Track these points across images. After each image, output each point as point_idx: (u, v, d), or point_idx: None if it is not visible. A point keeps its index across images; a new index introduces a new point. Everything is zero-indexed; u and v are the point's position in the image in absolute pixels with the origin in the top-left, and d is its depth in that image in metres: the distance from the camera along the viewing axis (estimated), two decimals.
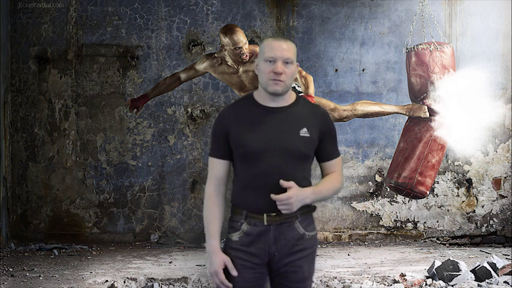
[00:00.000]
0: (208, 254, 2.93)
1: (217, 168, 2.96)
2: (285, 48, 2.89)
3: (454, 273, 5.61)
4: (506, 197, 8.39)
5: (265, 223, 2.89)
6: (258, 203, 2.89)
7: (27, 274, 6.14)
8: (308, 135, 2.92)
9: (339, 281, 5.84)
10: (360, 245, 8.13)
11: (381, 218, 8.38)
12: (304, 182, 2.90)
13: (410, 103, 6.26)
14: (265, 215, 2.89)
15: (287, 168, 2.88)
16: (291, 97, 2.98)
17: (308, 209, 2.95)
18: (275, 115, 2.93)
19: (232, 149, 2.93)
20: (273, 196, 2.84)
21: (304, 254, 2.93)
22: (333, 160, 3.00)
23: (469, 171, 8.40)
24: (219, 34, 5.94)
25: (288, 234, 2.90)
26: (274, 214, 2.89)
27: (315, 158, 3.02)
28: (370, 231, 8.37)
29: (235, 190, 2.96)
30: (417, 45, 6.09)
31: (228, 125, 2.93)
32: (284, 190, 2.85)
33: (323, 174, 3.02)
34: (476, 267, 5.77)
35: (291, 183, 2.85)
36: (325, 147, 2.97)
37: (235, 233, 2.93)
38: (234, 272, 2.89)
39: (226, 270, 2.91)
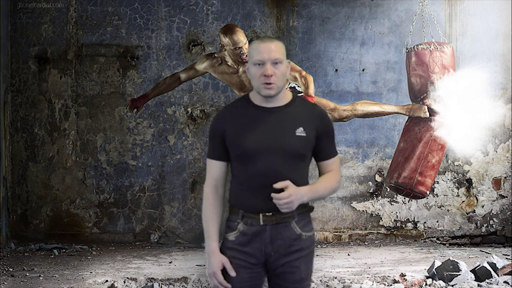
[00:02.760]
0: (207, 255, 2.93)
1: (214, 169, 2.97)
2: (273, 49, 2.87)
3: (454, 273, 5.61)
4: (506, 197, 8.39)
5: (261, 223, 2.89)
6: (254, 202, 2.89)
7: (27, 274, 6.14)
8: (304, 134, 2.91)
9: (339, 281, 5.84)
10: (360, 245, 8.13)
11: (381, 218, 8.37)
12: (301, 182, 2.89)
13: (410, 103, 6.26)
14: (261, 214, 2.89)
15: (283, 168, 2.87)
16: (286, 97, 2.97)
17: (305, 209, 2.95)
18: (271, 115, 2.92)
19: (228, 149, 2.93)
20: (273, 195, 2.83)
21: (302, 254, 2.93)
22: (330, 159, 2.99)
23: (469, 171, 8.40)
24: (219, 34, 5.94)
25: (285, 234, 2.90)
26: (270, 214, 2.88)
27: (313, 158, 3.02)
28: (370, 231, 8.37)
29: (232, 190, 2.96)
30: (417, 45, 6.09)
31: (224, 126, 2.93)
32: (278, 189, 2.84)
33: (320, 173, 3.01)
34: (476, 267, 5.77)
35: (287, 182, 2.84)
36: (322, 146, 2.96)
37: (232, 232, 2.93)
38: (233, 273, 2.90)
39: (224, 271, 2.92)
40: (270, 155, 2.87)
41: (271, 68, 2.87)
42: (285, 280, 2.93)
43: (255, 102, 2.95)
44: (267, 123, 2.91)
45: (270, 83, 2.87)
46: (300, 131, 2.91)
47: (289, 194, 2.82)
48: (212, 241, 2.92)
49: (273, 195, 2.83)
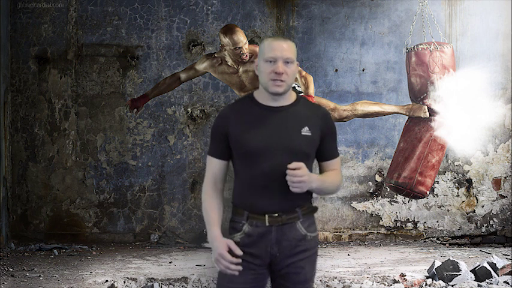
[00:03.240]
0: (211, 242, 2.90)
1: (215, 167, 2.95)
2: (285, 48, 2.88)
3: (454, 273, 5.61)
4: (506, 197, 8.39)
5: (267, 224, 2.88)
6: (259, 203, 2.88)
7: (27, 274, 6.14)
8: (309, 134, 2.91)
9: (339, 281, 5.84)
10: (360, 245, 8.13)
11: (381, 218, 8.37)
12: None
13: (410, 103, 6.26)
14: (266, 215, 2.88)
15: None
16: (291, 96, 2.97)
17: (309, 210, 2.95)
18: (276, 114, 2.92)
19: (232, 148, 2.92)
20: (288, 171, 2.80)
21: (306, 255, 2.93)
22: (333, 160, 3.00)
23: (469, 171, 8.39)
24: (219, 34, 5.94)
25: (290, 235, 2.89)
26: (276, 215, 2.88)
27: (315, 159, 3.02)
28: (370, 231, 8.37)
29: (236, 190, 2.95)
30: (417, 45, 6.09)
31: (228, 124, 2.92)
32: (284, 189, 2.84)
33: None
34: (476, 267, 5.77)
35: (300, 164, 2.82)
36: (325, 147, 2.97)
37: (237, 234, 2.91)
38: (239, 251, 2.85)
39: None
40: (276, 154, 2.87)
41: (282, 66, 2.87)
42: (289, 281, 2.93)
43: (259, 101, 2.95)
44: (273, 122, 2.90)
45: (279, 80, 2.87)
46: (306, 131, 2.91)
47: (303, 174, 2.81)
48: (214, 227, 2.89)
49: (288, 171, 2.80)
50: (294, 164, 2.82)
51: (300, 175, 2.80)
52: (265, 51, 2.89)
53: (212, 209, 2.93)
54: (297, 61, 2.94)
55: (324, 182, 2.92)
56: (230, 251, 2.86)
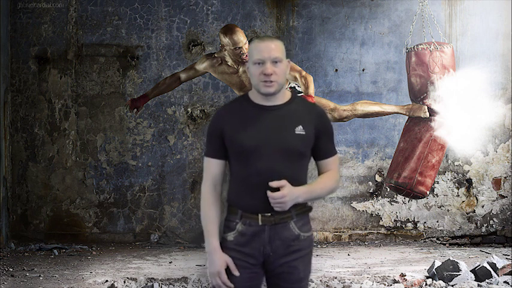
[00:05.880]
0: (208, 254, 2.92)
1: (213, 168, 2.96)
2: (273, 48, 2.88)
3: (454, 273, 5.61)
4: (506, 197, 8.39)
5: (260, 223, 2.89)
6: (253, 202, 2.89)
7: (27, 274, 6.14)
8: (303, 132, 2.91)
9: (339, 281, 5.84)
10: (360, 245, 8.13)
11: (381, 218, 8.37)
12: (300, 181, 2.90)
13: (410, 103, 6.26)
14: (260, 215, 2.89)
15: (282, 167, 2.87)
16: (285, 95, 2.98)
17: (303, 210, 2.95)
18: (270, 113, 2.93)
19: (227, 148, 2.93)
20: (268, 193, 2.83)
21: (300, 254, 2.93)
22: (329, 158, 3.00)
23: (469, 171, 8.39)
24: (219, 34, 5.94)
25: (283, 235, 2.90)
26: (269, 214, 2.89)
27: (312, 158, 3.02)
28: (370, 231, 8.37)
29: (230, 189, 2.96)
30: (417, 45, 6.09)
31: (223, 125, 2.93)
32: (277, 189, 2.84)
33: (319, 173, 3.02)
34: (476, 267, 5.77)
35: (283, 182, 2.84)
36: (321, 145, 2.97)
37: (230, 232, 2.93)
38: (236, 273, 2.89)
39: (226, 271, 2.91)
40: (270, 153, 2.87)
41: (271, 66, 2.88)
42: (283, 280, 2.93)
43: (254, 100, 2.96)
44: (267, 121, 2.91)
45: (269, 81, 2.88)
46: (300, 129, 2.91)
47: (283, 195, 2.82)
48: (213, 239, 2.92)
49: (268, 193, 2.84)
50: (275, 183, 2.83)
51: (279, 197, 2.82)
52: (253, 54, 2.90)
53: (212, 218, 2.93)
54: (287, 58, 2.94)
55: (312, 192, 2.91)
56: (227, 269, 2.90)
